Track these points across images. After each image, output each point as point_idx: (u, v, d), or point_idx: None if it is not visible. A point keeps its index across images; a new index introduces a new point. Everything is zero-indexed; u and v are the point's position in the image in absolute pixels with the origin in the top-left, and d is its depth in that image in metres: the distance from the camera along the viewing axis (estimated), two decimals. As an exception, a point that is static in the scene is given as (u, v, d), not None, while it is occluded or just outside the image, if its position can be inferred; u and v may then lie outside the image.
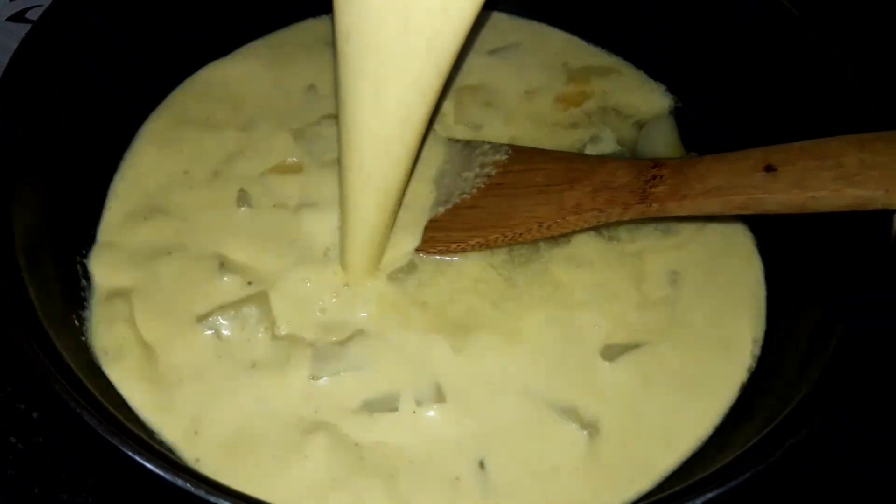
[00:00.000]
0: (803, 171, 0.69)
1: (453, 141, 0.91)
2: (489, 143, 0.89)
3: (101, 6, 0.83)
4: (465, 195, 0.85)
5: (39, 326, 0.66)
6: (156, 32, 0.90)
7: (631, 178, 0.78)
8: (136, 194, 0.86)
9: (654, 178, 0.76)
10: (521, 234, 0.80)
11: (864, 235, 0.72)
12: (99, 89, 0.85)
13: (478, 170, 0.86)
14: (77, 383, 0.64)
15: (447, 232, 0.83)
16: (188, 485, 0.58)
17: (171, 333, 0.78)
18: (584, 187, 0.79)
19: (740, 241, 0.88)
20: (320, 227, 0.84)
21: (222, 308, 0.78)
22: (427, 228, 0.84)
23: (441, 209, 0.85)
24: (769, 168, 0.70)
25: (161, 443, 0.71)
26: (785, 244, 0.84)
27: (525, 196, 0.82)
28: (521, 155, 0.86)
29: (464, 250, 0.82)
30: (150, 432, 0.71)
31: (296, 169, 0.89)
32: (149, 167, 0.89)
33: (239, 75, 0.97)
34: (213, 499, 0.57)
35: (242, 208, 0.85)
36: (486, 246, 0.82)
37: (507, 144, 0.88)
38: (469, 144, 0.90)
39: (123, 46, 0.87)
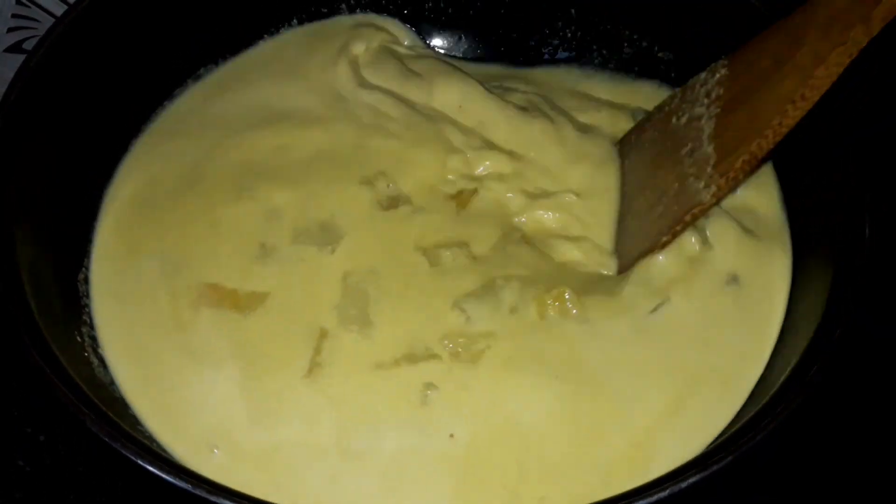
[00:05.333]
0: None
1: (639, 127, 0.90)
2: (698, 76, 0.85)
3: (91, 34, 0.86)
4: (706, 133, 0.81)
5: (43, 342, 0.68)
6: (143, 56, 0.93)
7: None
8: (130, 210, 0.89)
9: None
10: (779, 123, 0.74)
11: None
12: (91, 111, 0.88)
13: (706, 100, 0.82)
14: (81, 394, 0.65)
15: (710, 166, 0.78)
16: (188, 485, 0.59)
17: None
18: (811, 37, 0.73)
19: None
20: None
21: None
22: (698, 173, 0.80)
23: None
24: None
25: (163, 450, 0.73)
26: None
27: (764, 88, 0.76)
28: (738, 58, 0.82)
29: (736, 177, 0.77)
30: (150, 438, 0.73)
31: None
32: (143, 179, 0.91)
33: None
34: (213, 498, 0.59)
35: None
36: (755, 159, 0.76)
37: (719, 61, 0.83)
38: (670, 102, 0.87)
39: (113, 70, 0.90)
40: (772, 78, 0.76)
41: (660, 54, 1.02)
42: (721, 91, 0.81)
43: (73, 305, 0.81)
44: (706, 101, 0.82)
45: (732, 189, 0.79)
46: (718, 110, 0.80)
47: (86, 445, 0.87)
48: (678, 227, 0.80)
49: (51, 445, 0.88)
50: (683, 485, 0.59)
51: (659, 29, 1.01)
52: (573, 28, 1.05)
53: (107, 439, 0.61)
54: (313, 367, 0.78)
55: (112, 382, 0.77)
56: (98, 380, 0.75)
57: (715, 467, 0.60)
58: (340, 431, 0.75)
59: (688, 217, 0.80)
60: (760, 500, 0.86)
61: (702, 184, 0.79)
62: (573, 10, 1.04)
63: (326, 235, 0.86)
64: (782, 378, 0.68)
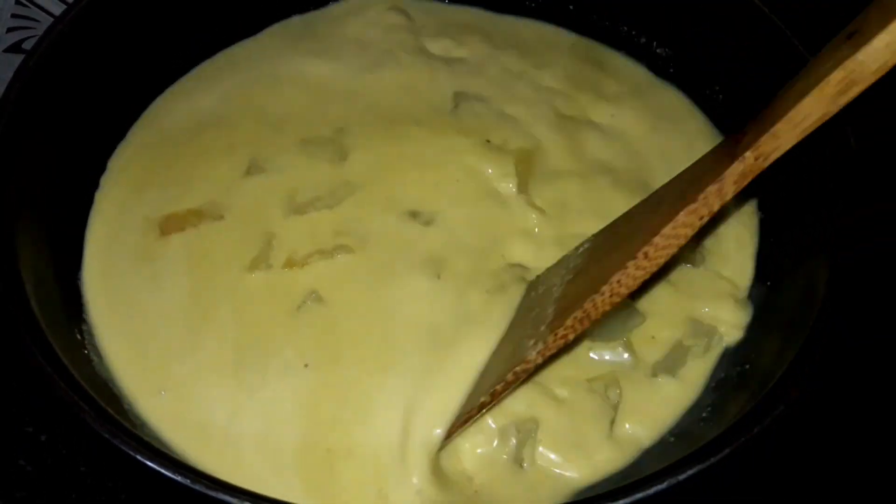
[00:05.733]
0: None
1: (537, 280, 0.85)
2: (567, 253, 0.84)
3: (89, 33, 0.86)
4: (552, 297, 0.78)
5: (44, 340, 0.68)
6: (141, 54, 0.94)
7: (713, 158, 0.71)
8: (121, 207, 0.89)
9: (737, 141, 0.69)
10: (618, 281, 0.71)
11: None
12: (89, 109, 0.88)
13: (563, 272, 0.81)
14: (82, 393, 0.65)
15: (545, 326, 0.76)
16: (188, 480, 0.59)
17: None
18: (668, 199, 0.73)
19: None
20: None
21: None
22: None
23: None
24: (850, 35, 0.62)
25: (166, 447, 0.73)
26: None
27: (614, 251, 0.75)
28: (603, 231, 0.82)
29: (565, 335, 0.74)
30: (152, 436, 0.73)
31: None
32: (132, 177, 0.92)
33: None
34: (212, 493, 0.59)
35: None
36: (588, 318, 0.73)
37: (594, 235, 0.83)
38: (537, 280, 0.84)
39: (112, 68, 0.90)
40: (624, 242, 0.75)
41: (658, 50, 1.03)
42: (580, 262, 0.80)
43: (72, 304, 0.81)
44: (564, 272, 0.81)
45: (560, 348, 0.74)
46: (571, 276, 0.79)
47: (87, 444, 0.87)
48: (498, 386, 0.74)
49: (52, 445, 0.88)
50: (681, 477, 0.59)
51: (658, 25, 1.02)
52: (572, 25, 1.06)
53: (108, 437, 0.61)
54: (253, 266, 0.81)
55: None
56: (98, 378, 0.75)
57: (713, 459, 0.61)
58: (239, 354, 0.77)
59: (510, 376, 0.74)
60: (758, 498, 0.86)
61: (532, 342, 0.75)
62: (571, 6, 1.05)
63: (333, 147, 0.89)
64: (780, 371, 0.68)
